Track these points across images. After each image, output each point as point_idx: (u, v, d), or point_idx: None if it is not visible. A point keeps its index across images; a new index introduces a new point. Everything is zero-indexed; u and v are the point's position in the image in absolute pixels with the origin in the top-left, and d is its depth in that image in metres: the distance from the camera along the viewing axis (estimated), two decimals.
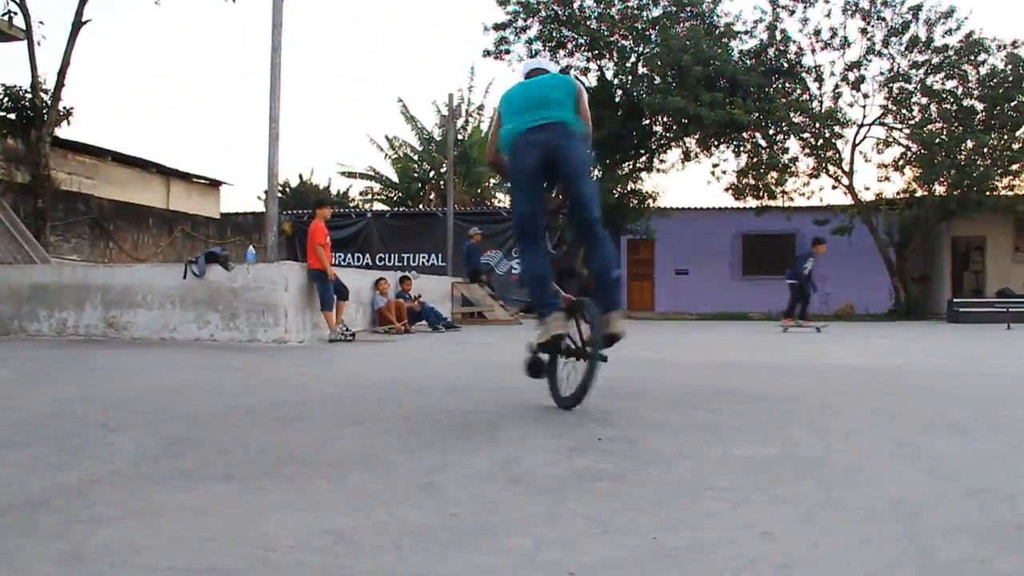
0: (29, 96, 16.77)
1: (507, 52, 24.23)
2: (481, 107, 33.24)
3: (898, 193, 23.54)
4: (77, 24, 16.69)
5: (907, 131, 22.73)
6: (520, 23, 23.83)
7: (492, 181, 34.03)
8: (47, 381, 6.32)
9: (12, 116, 17.04)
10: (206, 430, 3.89)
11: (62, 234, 18.26)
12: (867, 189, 23.81)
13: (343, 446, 3.50)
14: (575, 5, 23.53)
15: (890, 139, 23.19)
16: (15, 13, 16.60)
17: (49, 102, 16.68)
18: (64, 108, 17.15)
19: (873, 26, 22.26)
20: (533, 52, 24.07)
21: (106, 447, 3.46)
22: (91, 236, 19.30)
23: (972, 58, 21.82)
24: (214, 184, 26.89)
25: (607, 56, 24.25)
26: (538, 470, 3.00)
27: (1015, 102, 21.40)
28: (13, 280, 11.78)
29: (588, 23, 23.52)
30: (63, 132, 18.16)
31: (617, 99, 24.26)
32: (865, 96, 22.81)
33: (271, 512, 2.43)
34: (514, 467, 3.04)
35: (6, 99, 16.83)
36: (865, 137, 23.31)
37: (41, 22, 16.85)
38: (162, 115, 65.56)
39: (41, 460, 3.17)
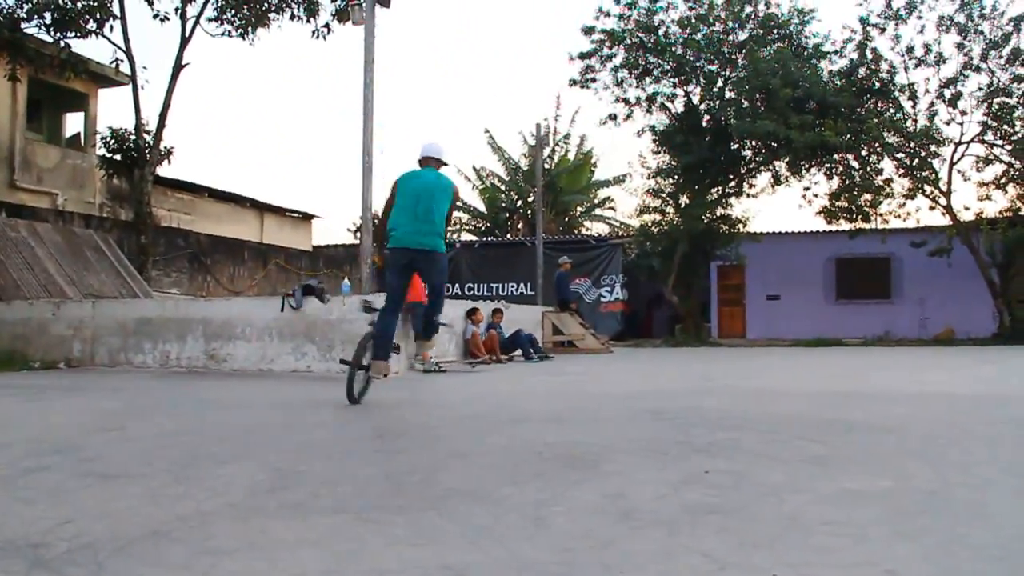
0: (133, 138, 17.48)
1: (593, 80, 24.30)
2: (567, 136, 33.38)
3: (1000, 212, 22.73)
4: (177, 68, 17.37)
5: (1010, 147, 21.95)
6: (605, 51, 23.89)
7: (580, 209, 34.06)
8: (156, 413, 6.52)
9: (118, 157, 17.78)
10: (313, 462, 3.95)
11: (163, 268, 18.90)
12: (967, 209, 22.99)
13: (449, 478, 3.52)
14: (660, 32, 23.48)
15: (991, 156, 22.43)
16: (121, 60, 17.39)
17: (151, 143, 17.35)
18: (165, 148, 17.82)
19: (970, 40, 21.63)
20: (619, 80, 24.11)
21: (219, 478, 3.54)
22: (190, 270, 19.94)
23: None
24: (306, 217, 27.51)
25: (694, 81, 24.11)
26: (648, 504, 2.97)
27: None
28: (119, 314, 12.22)
29: (674, 49, 23.44)
30: (163, 170, 18.87)
31: (705, 124, 24.08)
32: (963, 113, 22.13)
33: (387, 545, 2.45)
34: (622, 501, 3.01)
35: (112, 141, 17.57)
36: (963, 155, 22.60)
37: (144, 67, 17.58)
38: (255, 151, 67.53)
39: (160, 491, 3.27)
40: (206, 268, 20.37)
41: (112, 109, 55.91)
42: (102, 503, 3.08)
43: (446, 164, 6.96)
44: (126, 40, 17.08)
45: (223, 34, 18.08)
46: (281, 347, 11.04)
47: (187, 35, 17.44)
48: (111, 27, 17.01)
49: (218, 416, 6.18)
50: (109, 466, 3.89)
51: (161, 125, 17.33)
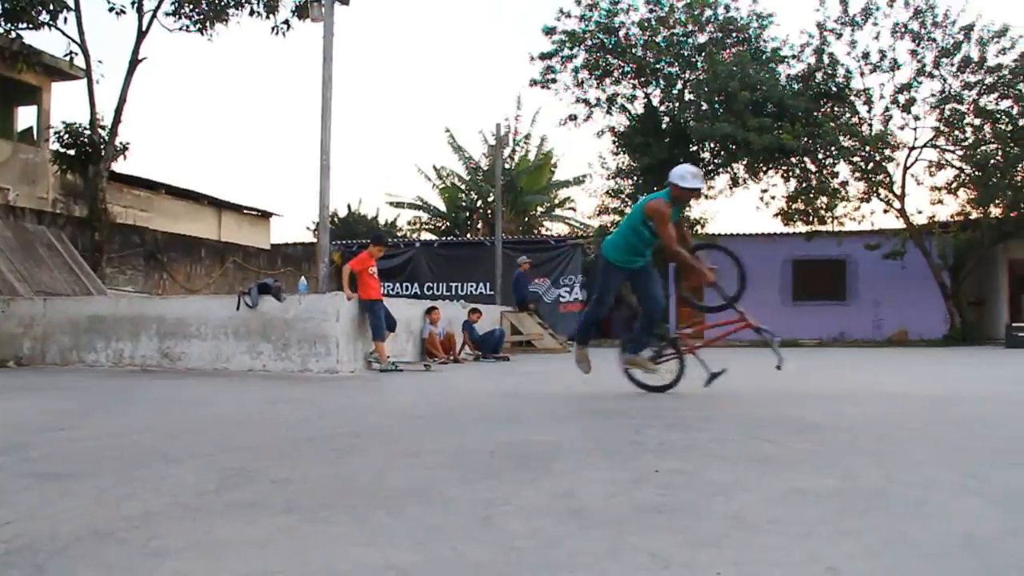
0: (88, 132, 17.21)
1: (554, 81, 24.41)
2: (528, 136, 33.40)
3: (952, 216, 23.16)
4: (133, 62, 17.13)
5: (960, 153, 22.37)
6: (566, 52, 23.97)
7: (540, 209, 34.10)
8: (107, 412, 6.43)
9: (72, 152, 17.49)
10: (264, 461, 3.92)
11: (118, 266, 18.63)
12: (919, 212, 23.46)
13: (400, 477, 3.51)
14: (621, 33, 23.62)
15: (943, 161, 22.84)
16: (76, 54, 17.11)
17: (107, 138, 17.10)
18: (121, 143, 17.57)
19: (923, 47, 22.01)
20: (579, 81, 24.21)
21: (167, 478, 3.50)
22: (145, 268, 19.66)
23: None
24: (264, 215, 27.28)
25: (653, 83, 24.28)
26: (597, 503, 2.98)
27: None
28: (72, 312, 12.04)
29: (634, 51, 23.58)
30: (119, 167, 18.62)
31: (664, 126, 24.27)
32: (916, 118, 22.53)
33: (335, 546, 2.44)
34: (572, 500, 3.02)
35: (66, 136, 17.29)
36: (917, 160, 23.00)
37: (100, 61, 17.35)
38: (214, 148, 66.83)
39: (105, 491, 3.22)
40: (162, 266, 20.11)
41: (66, 103, 55.11)
42: (45, 504, 3.03)
43: (672, 184, 7.02)
44: (80, 33, 16.81)
45: (181, 29, 17.87)
46: (236, 346, 10.94)
47: (144, 29, 17.21)
48: (65, 19, 16.75)
49: (170, 415, 6.11)
50: (55, 466, 3.83)
51: (117, 120, 17.09)
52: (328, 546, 2.44)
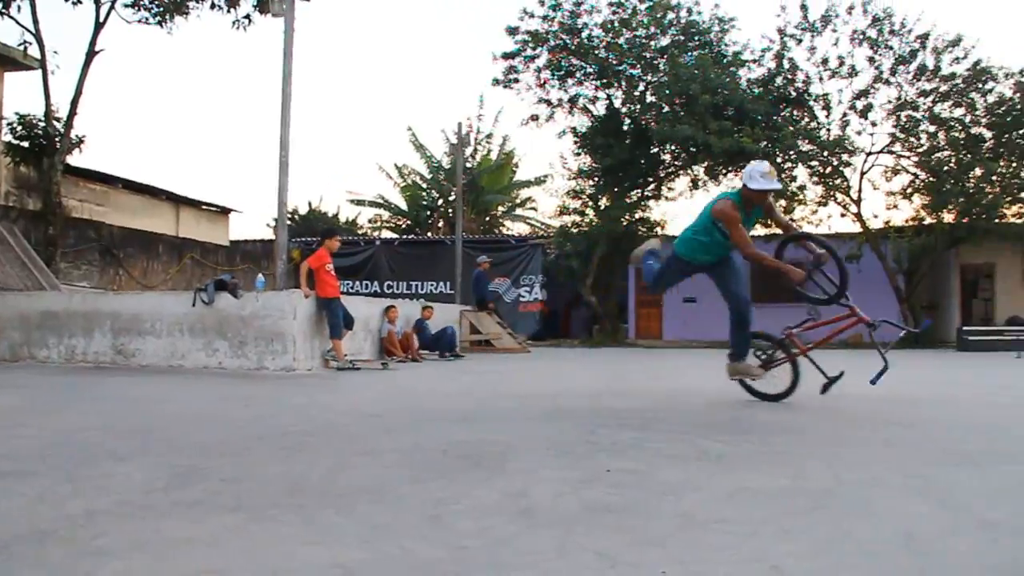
0: (42, 124, 16.92)
1: (516, 81, 24.40)
2: (490, 135, 33.37)
3: (907, 221, 23.52)
4: (90, 54, 16.87)
5: (915, 159, 22.73)
6: (529, 52, 24.00)
7: (501, 209, 34.10)
8: (56, 409, 6.34)
9: (25, 144, 17.19)
10: (215, 460, 3.89)
11: (72, 261, 18.34)
12: (876, 217, 23.70)
13: (352, 476, 3.50)
14: (584, 35, 23.69)
15: (898, 167, 23.19)
16: (30, 43, 16.81)
17: (62, 130, 16.82)
18: (76, 136, 17.29)
19: (881, 55, 22.32)
20: (542, 81, 24.25)
21: (114, 477, 3.46)
22: (101, 263, 19.38)
23: (980, 86, 21.84)
24: (224, 211, 27.01)
25: (616, 85, 24.38)
26: (547, 502, 2.99)
27: (1023, 130, 21.40)
28: (23, 307, 11.83)
29: (597, 52, 23.66)
30: (75, 160, 18.32)
31: (626, 127, 24.35)
32: (873, 124, 22.83)
33: (281, 544, 2.43)
34: (523, 499, 3.03)
35: (20, 127, 16.98)
36: (873, 165, 23.30)
37: (55, 52, 17.05)
38: (173, 143, 66.03)
39: (50, 490, 3.18)
40: (118, 261, 19.83)
41: (20, 94, 54.11)
42: None
43: (743, 184, 6.41)
44: (35, 22, 16.50)
45: (140, 21, 17.63)
46: (192, 343, 10.83)
47: (101, 20, 16.95)
48: (19, 7, 16.43)
49: (122, 413, 6.03)
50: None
51: (72, 112, 16.80)
52: (275, 545, 2.42)
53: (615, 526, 2.66)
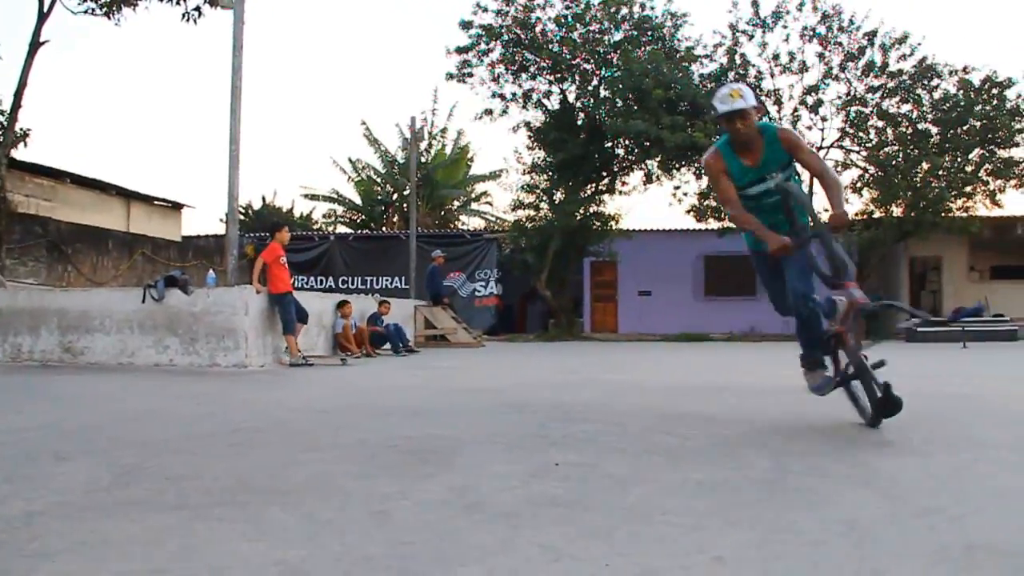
0: None
1: (470, 75, 24.33)
2: (444, 130, 33.28)
3: (856, 215, 23.87)
4: (34, 44, 16.52)
5: (864, 154, 23.10)
6: (483, 46, 23.95)
7: (456, 204, 34.02)
8: (1, 409, 6.21)
9: None
10: (160, 458, 3.84)
11: (19, 257, 17.97)
12: (826, 211, 24.06)
13: (298, 473, 3.47)
14: (537, 29, 23.69)
15: (848, 161, 23.54)
16: None
17: (5, 123, 16.46)
18: (21, 129, 16.92)
19: (830, 51, 22.64)
20: (495, 75, 24.20)
21: (56, 477, 3.40)
22: (48, 259, 19.01)
23: (926, 83, 22.26)
24: (176, 207, 26.63)
25: (569, 79, 24.42)
26: (494, 496, 2.99)
27: (967, 126, 21.83)
28: None
29: (550, 47, 23.68)
30: (20, 153, 17.91)
31: (580, 122, 24.40)
32: (824, 119, 23.15)
33: (223, 542, 2.40)
34: (470, 494, 3.03)
35: None
36: (824, 159, 23.64)
37: None
38: (122, 137, 64.93)
39: None
40: (67, 257, 19.47)
41: None
42: None
43: None
44: None
45: (86, 12, 17.27)
46: (142, 340, 10.67)
47: (45, 11, 16.61)
48: None
49: (67, 412, 5.92)
50: None
51: (16, 105, 16.43)
52: (218, 543, 2.40)
53: (561, 519, 2.67)
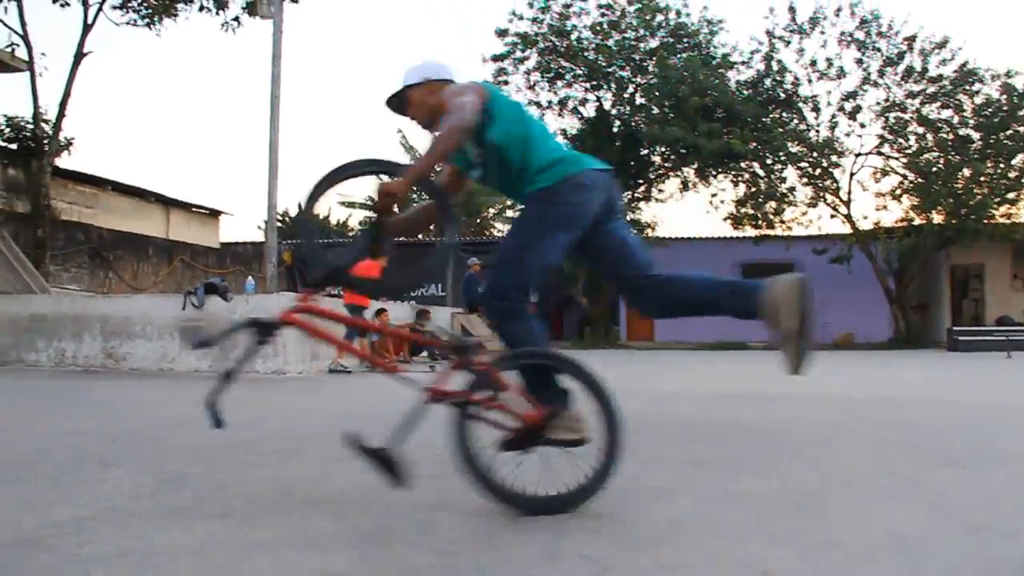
0: (30, 126, 16.88)
1: (505, 83, 24.41)
2: None
3: (896, 222, 23.62)
4: (79, 56, 16.83)
5: (904, 160, 22.84)
6: (518, 54, 24.01)
7: (492, 211, 34.09)
8: (44, 414, 6.30)
9: (13, 146, 17.14)
10: (204, 465, 3.87)
11: (62, 263, 18.28)
12: (865, 218, 23.84)
13: (339, 481, 3.48)
14: (573, 37, 23.72)
15: (887, 168, 23.30)
16: (17, 45, 16.78)
17: (50, 132, 16.78)
18: (65, 138, 17.26)
19: (869, 56, 22.44)
20: (531, 83, 24.25)
21: (102, 483, 3.44)
22: (91, 266, 19.32)
23: (967, 88, 21.99)
24: (214, 214, 26.92)
25: (605, 87, 24.41)
26: None
27: (1010, 131, 21.52)
28: (12, 310, 11.78)
29: (586, 54, 23.69)
30: (63, 162, 18.28)
31: (615, 129, 24.40)
32: (862, 126, 22.97)
33: (269, 551, 2.41)
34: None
35: (8, 129, 16.97)
36: (863, 166, 23.42)
37: (43, 53, 17.06)
38: (162, 145, 65.84)
39: (36, 497, 3.16)
40: (108, 264, 19.77)
41: (7, 96, 54.08)
42: None
43: None
44: (23, 24, 16.50)
45: (128, 23, 17.58)
46: (183, 346, 10.79)
47: (90, 22, 16.92)
48: (5, 9, 16.42)
49: (110, 417, 6.00)
50: None
51: (61, 114, 16.77)
52: (264, 552, 2.41)
53: (605, 531, 2.65)
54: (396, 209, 3.40)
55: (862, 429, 5.34)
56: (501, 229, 34.16)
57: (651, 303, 3.58)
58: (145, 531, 2.64)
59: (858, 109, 22.64)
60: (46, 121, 16.95)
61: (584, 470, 2.92)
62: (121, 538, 2.55)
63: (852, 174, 23.27)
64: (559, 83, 24.48)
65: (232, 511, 2.91)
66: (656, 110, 23.24)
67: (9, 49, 17.04)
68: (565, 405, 3.17)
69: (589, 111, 24.79)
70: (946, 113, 22.34)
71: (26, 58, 16.78)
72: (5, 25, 16.57)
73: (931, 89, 22.08)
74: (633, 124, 23.69)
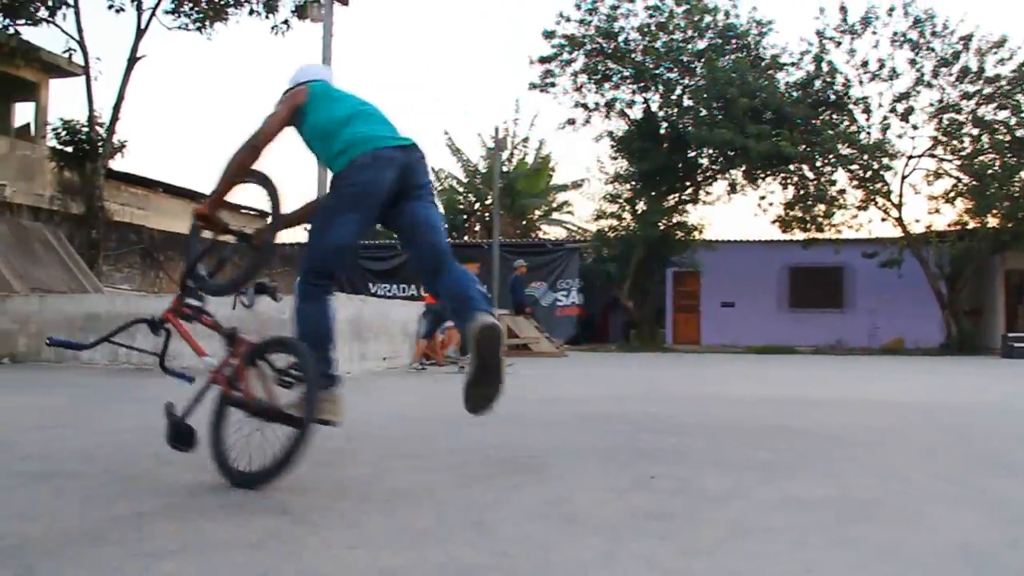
0: (86, 130, 17.21)
1: (553, 85, 24.40)
2: (526, 139, 33.40)
3: (949, 225, 23.16)
4: (132, 60, 17.12)
5: (958, 162, 22.39)
6: (565, 56, 23.98)
7: (537, 213, 34.07)
8: (101, 410, 6.41)
9: (69, 149, 17.48)
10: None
11: (114, 264, 18.61)
12: (917, 221, 23.37)
13: (392, 481, 3.50)
14: (620, 38, 23.62)
15: (940, 171, 22.85)
16: (74, 51, 17.12)
17: (104, 135, 17.09)
18: (118, 141, 17.58)
19: (922, 57, 22.03)
20: (578, 85, 24.19)
21: (160, 478, 3.49)
22: (142, 266, 19.64)
23: None
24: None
25: (652, 89, 24.28)
26: (591, 509, 2.97)
27: None
28: (68, 309, 11.99)
29: (633, 56, 23.59)
30: (116, 164, 18.62)
31: (663, 131, 24.26)
32: (914, 127, 22.54)
33: (325, 548, 2.42)
34: (566, 505, 3.01)
35: (64, 132, 17.29)
36: (915, 169, 23.00)
37: (98, 58, 17.41)
38: (212, 147, 66.76)
39: (97, 491, 3.20)
40: (159, 264, 20.09)
41: (64, 100, 55.14)
42: (34, 503, 3.01)
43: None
44: (79, 30, 16.82)
45: (180, 27, 17.85)
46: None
47: (143, 27, 17.20)
48: (64, 15, 16.76)
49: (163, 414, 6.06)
50: (45, 465, 3.81)
51: (115, 118, 17.07)
52: (320, 549, 2.42)
53: (662, 534, 2.63)
54: (213, 224, 4.14)
55: (917, 435, 5.24)
56: (547, 231, 34.15)
57: (441, 286, 3.69)
58: (203, 526, 2.66)
59: (911, 110, 22.25)
60: (100, 124, 17.28)
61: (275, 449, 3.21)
62: (181, 533, 2.57)
63: (904, 177, 22.88)
64: (606, 85, 24.39)
65: (289, 508, 2.93)
66: (704, 112, 23.04)
67: (66, 55, 17.41)
68: (325, 388, 3.43)
69: (636, 113, 24.70)
70: (1003, 114, 21.86)
71: (82, 63, 17.13)
72: (62, 31, 16.94)
73: (988, 90, 21.62)
74: (680, 126, 23.52)
